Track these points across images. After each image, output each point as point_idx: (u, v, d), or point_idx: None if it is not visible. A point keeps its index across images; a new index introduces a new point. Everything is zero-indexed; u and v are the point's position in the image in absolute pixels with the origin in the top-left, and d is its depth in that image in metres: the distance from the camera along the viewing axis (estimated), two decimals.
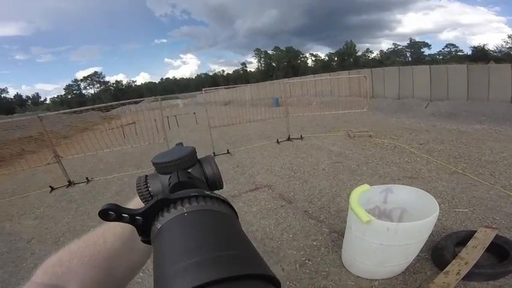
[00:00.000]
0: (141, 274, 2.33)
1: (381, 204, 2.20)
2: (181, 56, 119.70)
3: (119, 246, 0.38)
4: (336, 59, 64.72)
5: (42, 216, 4.11)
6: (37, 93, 68.01)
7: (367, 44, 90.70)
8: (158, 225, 0.22)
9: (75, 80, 69.43)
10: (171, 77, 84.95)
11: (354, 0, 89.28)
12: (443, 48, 54.59)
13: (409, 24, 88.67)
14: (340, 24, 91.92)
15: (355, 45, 62.94)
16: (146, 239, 0.25)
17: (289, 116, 6.80)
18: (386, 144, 5.58)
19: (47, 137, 5.24)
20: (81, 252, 0.35)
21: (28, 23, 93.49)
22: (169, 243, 0.20)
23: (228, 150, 6.29)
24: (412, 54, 57.81)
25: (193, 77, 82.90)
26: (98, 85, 69.58)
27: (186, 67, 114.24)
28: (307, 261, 2.35)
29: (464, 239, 2.20)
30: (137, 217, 0.24)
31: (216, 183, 0.38)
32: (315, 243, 2.58)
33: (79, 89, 68.45)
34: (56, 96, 70.63)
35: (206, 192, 0.25)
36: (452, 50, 52.95)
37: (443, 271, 1.91)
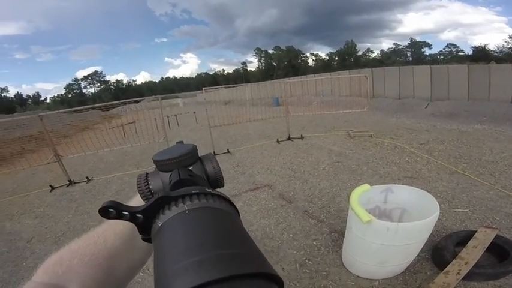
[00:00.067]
0: (141, 274, 2.33)
1: (381, 204, 2.19)
2: (181, 55, 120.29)
3: (120, 244, 0.37)
4: (336, 58, 64.77)
5: (42, 215, 4.11)
6: (37, 93, 68.38)
7: (367, 44, 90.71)
8: (159, 223, 0.22)
9: (76, 79, 69.77)
10: (171, 76, 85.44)
11: (354, 0, 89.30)
12: (444, 48, 54.78)
13: (410, 24, 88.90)
14: (341, 23, 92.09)
15: (355, 45, 63.03)
16: (147, 237, 0.24)
17: (289, 116, 6.79)
18: (387, 144, 5.57)
19: (47, 136, 5.24)
20: (82, 251, 0.35)
21: (28, 22, 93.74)
22: (170, 241, 0.20)
23: (228, 149, 6.29)
24: (413, 54, 57.82)
25: (194, 76, 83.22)
26: (98, 84, 69.81)
27: (186, 66, 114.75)
28: (307, 261, 2.35)
29: (464, 239, 2.20)
30: (138, 215, 0.24)
31: (217, 181, 0.38)
32: (315, 243, 2.58)
33: (79, 88, 68.72)
34: (56, 95, 71.10)
35: (207, 190, 0.25)
36: (453, 50, 53.04)
37: (444, 271, 1.91)
